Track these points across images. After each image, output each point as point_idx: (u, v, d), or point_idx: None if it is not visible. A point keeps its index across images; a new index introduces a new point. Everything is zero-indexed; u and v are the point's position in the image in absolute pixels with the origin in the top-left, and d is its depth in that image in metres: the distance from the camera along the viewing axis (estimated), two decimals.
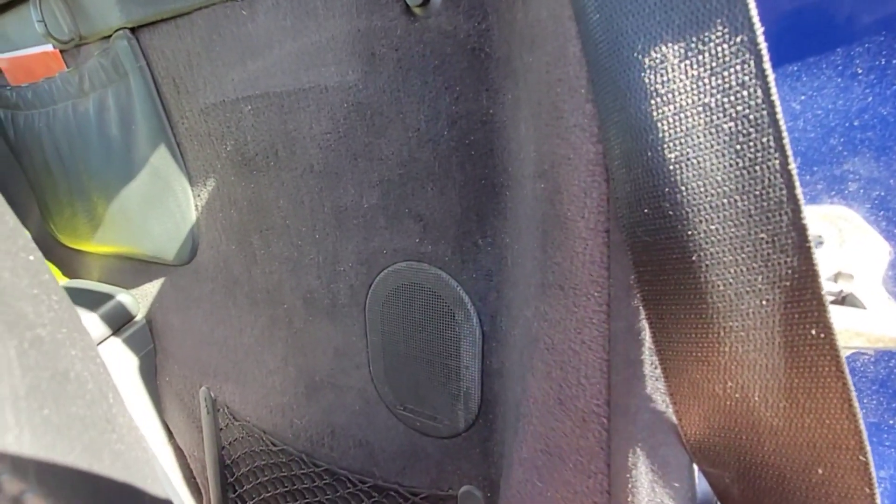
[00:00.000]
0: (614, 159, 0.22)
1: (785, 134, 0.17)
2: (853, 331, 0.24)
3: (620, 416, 0.26)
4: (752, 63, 0.17)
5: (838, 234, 0.27)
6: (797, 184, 0.17)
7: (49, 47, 0.72)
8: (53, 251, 0.99)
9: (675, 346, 0.22)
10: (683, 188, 0.19)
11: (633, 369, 0.25)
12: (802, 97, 0.25)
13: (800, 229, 0.18)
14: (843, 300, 0.27)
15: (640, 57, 0.19)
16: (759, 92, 0.17)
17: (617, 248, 0.24)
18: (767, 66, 0.17)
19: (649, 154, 0.20)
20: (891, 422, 0.29)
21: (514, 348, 0.43)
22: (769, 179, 0.18)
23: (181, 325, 0.83)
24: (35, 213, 1.01)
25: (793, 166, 0.17)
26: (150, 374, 0.90)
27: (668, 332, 0.22)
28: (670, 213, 0.20)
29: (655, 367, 0.24)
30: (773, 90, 0.17)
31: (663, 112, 0.19)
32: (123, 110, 0.68)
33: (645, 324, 0.24)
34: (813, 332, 0.18)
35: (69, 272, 0.99)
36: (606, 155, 0.23)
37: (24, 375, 0.14)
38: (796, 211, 0.18)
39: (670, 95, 0.19)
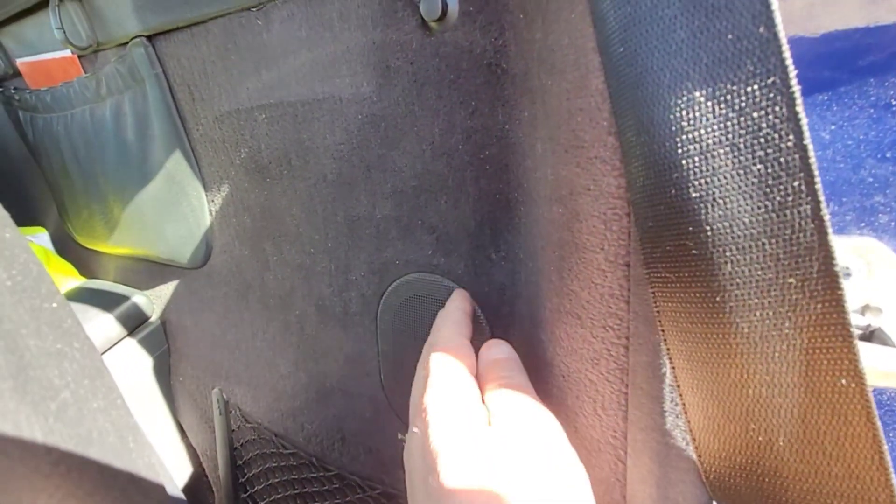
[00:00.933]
0: (636, 193, 0.21)
1: (817, 179, 0.17)
2: (881, 371, 0.23)
3: (638, 449, 0.26)
4: (783, 106, 0.16)
5: (867, 267, 0.26)
6: (829, 230, 0.17)
7: (67, 52, 0.73)
8: (71, 250, 1.01)
9: (697, 385, 0.22)
10: (708, 228, 0.19)
11: (652, 405, 0.24)
12: (833, 127, 0.24)
13: (831, 275, 0.17)
14: (870, 334, 0.26)
15: (665, 93, 0.19)
16: (791, 136, 0.17)
17: (638, 283, 0.23)
18: (800, 109, 0.16)
19: (673, 192, 0.19)
20: None
21: (526, 367, 0.42)
22: (799, 224, 0.17)
23: (195, 327, 0.85)
24: (53, 213, 1.03)
25: (825, 212, 0.17)
26: (165, 374, 0.91)
27: (690, 371, 0.22)
28: (694, 251, 0.19)
29: (675, 404, 0.24)
30: (806, 134, 0.16)
31: (688, 150, 0.19)
32: (139, 116, 0.69)
33: (666, 360, 0.23)
34: (843, 381, 0.18)
35: (86, 271, 1.01)
36: (628, 189, 0.22)
37: (48, 453, 0.14)
38: (827, 257, 0.17)
39: (696, 134, 0.18)
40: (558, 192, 0.29)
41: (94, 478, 0.16)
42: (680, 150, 0.19)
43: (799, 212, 0.17)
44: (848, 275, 0.27)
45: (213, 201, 0.70)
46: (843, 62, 0.23)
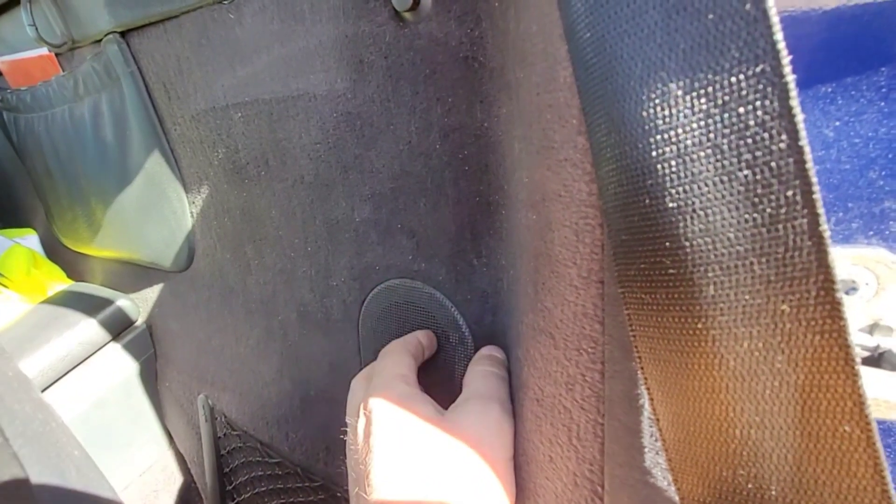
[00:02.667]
0: (609, 201, 0.19)
1: (816, 188, 0.14)
2: (891, 402, 0.20)
3: (617, 486, 0.23)
4: (774, 99, 0.14)
5: (875, 280, 0.23)
6: (829, 248, 0.14)
7: (45, 51, 0.71)
8: (59, 253, 0.99)
9: (677, 421, 0.19)
10: (687, 244, 0.16)
11: (630, 439, 0.22)
12: (837, 123, 0.21)
13: (832, 303, 0.14)
14: (879, 357, 0.23)
15: (637, 86, 0.16)
16: (784, 136, 0.14)
17: (613, 302, 0.21)
18: (795, 103, 0.13)
19: (647, 201, 0.17)
20: None
21: (511, 385, 0.40)
22: (794, 241, 0.14)
23: (180, 332, 0.83)
24: (41, 215, 1.01)
25: (824, 227, 0.14)
26: (151, 379, 0.89)
27: (669, 405, 0.19)
28: (671, 270, 0.17)
29: (655, 440, 0.21)
30: (802, 133, 0.14)
31: (664, 153, 0.16)
32: (117, 115, 0.67)
33: (643, 391, 0.20)
34: (846, 427, 0.15)
35: (74, 274, 0.99)
36: (601, 194, 0.19)
37: None
38: (828, 281, 0.14)
39: (673, 133, 0.16)
40: (532, 198, 0.26)
41: None
42: (654, 153, 0.16)
43: (793, 226, 0.14)
44: (854, 289, 0.24)
45: (193, 203, 0.68)
46: (849, 47, 0.20)
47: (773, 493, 0.17)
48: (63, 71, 0.71)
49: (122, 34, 0.59)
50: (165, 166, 0.66)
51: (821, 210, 0.14)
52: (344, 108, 0.45)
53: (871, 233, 0.23)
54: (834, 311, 0.14)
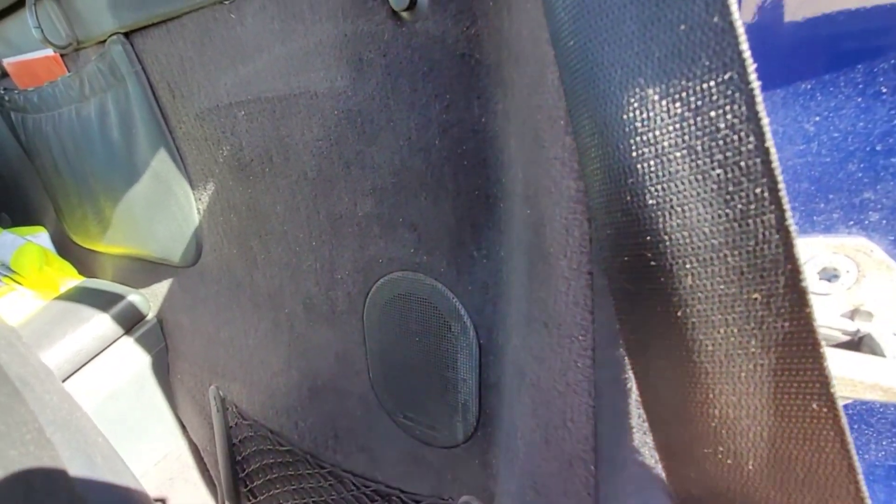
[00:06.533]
0: (595, 198, 0.20)
1: (782, 185, 0.15)
2: (867, 383, 0.22)
3: (608, 465, 0.24)
4: (741, 104, 0.15)
5: (856, 268, 0.24)
6: (795, 241, 0.15)
7: (50, 52, 0.72)
8: (70, 250, 1.02)
9: (662, 403, 0.20)
10: (666, 238, 0.17)
11: (619, 420, 0.23)
12: (817, 118, 0.22)
13: (798, 292, 0.16)
14: (858, 341, 0.24)
15: (616, 91, 0.17)
16: (752, 137, 0.15)
17: (601, 292, 0.22)
18: (760, 108, 0.14)
19: (629, 198, 0.18)
20: None
21: (509, 365, 0.41)
22: (763, 235, 0.15)
23: (190, 325, 0.85)
24: (51, 213, 1.03)
25: (790, 222, 0.15)
26: (163, 372, 0.92)
27: (654, 388, 0.20)
28: (652, 263, 0.18)
29: (643, 420, 0.22)
30: (768, 136, 0.15)
31: (643, 153, 0.17)
32: (123, 115, 0.68)
33: (631, 375, 0.22)
34: (815, 405, 0.16)
35: (85, 270, 1.01)
36: (587, 193, 0.21)
37: None
38: (794, 272, 0.15)
39: (651, 135, 0.17)
40: (526, 192, 0.27)
41: None
42: (634, 154, 0.17)
43: (762, 221, 0.15)
44: (836, 276, 0.25)
45: (200, 200, 0.69)
46: (827, 47, 0.21)
47: (751, 467, 0.19)
48: (69, 71, 0.72)
49: (126, 35, 0.60)
50: (171, 164, 0.67)
51: (787, 206, 0.15)
52: (345, 106, 0.46)
53: (852, 222, 0.24)
54: (801, 299, 0.16)
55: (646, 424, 0.23)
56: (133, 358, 0.87)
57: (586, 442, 0.25)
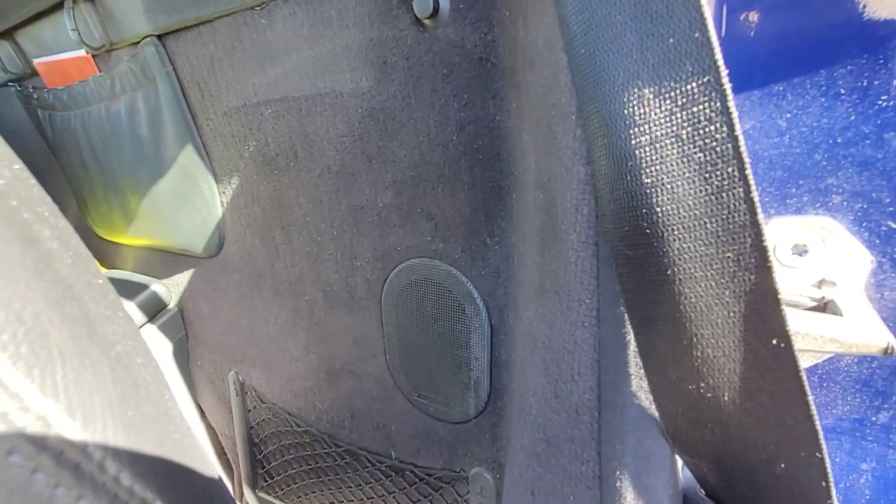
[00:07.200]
0: (600, 179, 0.24)
1: (748, 165, 0.19)
2: (828, 336, 0.26)
3: (609, 410, 0.28)
4: (717, 101, 0.19)
5: (822, 244, 0.28)
6: (759, 210, 0.19)
7: (82, 52, 0.76)
8: (91, 243, 1.06)
9: (655, 349, 0.25)
10: (658, 210, 0.21)
11: (620, 369, 0.27)
12: (788, 115, 0.26)
13: (761, 251, 0.20)
14: (824, 306, 0.29)
15: (619, 90, 0.21)
16: (724, 127, 0.19)
17: (605, 261, 0.26)
18: (731, 104, 0.19)
19: (629, 178, 0.22)
20: (872, 418, 0.31)
21: (520, 342, 0.45)
22: (734, 205, 0.20)
23: (211, 314, 0.89)
24: (73, 207, 1.07)
25: (755, 194, 0.19)
26: (183, 359, 0.96)
27: (649, 337, 0.24)
28: (647, 231, 0.22)
29: (640, 368, 0.26)
30: (737, 125, 0.19)
31: (640, 141, 0.21)
32: (152, 112, 0.72)
33: (630, 329, 0.26)
34: (774, 341, 0.20)
35: (106, 263, 1.05)
36: (595, 174, 0.25)
37: (114, 387, 0.17)
38: (758, 234, 0.20)
39: (646, 126, 0.21)
40: (540, 179, 0.32)
41: (139, 415, 0.19)
42: (633, 141, 0.21)
43: (733, 194, 0.20)
44: (805, 251, 0.29)
45: (224, 193, 0.74)
46: (795, 56, 0.25)
47: (726, 398, 0.23)
48: (100, 71, 0.76)
49: (159, 37, 0.64)
50: (198, 159, 0.71)
51: (752, 182, 0.19)
52: (368, 105, 0.50)
53: (818, 204, 0.28)
54: (763, 256, 0.20)
55: (642, 371, 0.27)
56: (155, 346, 0.91)
57: (591, 392, 0.29)
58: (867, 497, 0.33)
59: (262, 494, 0.93)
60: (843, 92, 0.25)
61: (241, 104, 0.62)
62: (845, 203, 0.27)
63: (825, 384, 0.32)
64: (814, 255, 0.29)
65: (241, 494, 0.98)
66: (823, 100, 0.26)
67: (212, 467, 0.30)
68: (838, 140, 0.26)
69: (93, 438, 0.16)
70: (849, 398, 0.32)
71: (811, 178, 0.27)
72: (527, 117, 0.35)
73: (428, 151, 0.48)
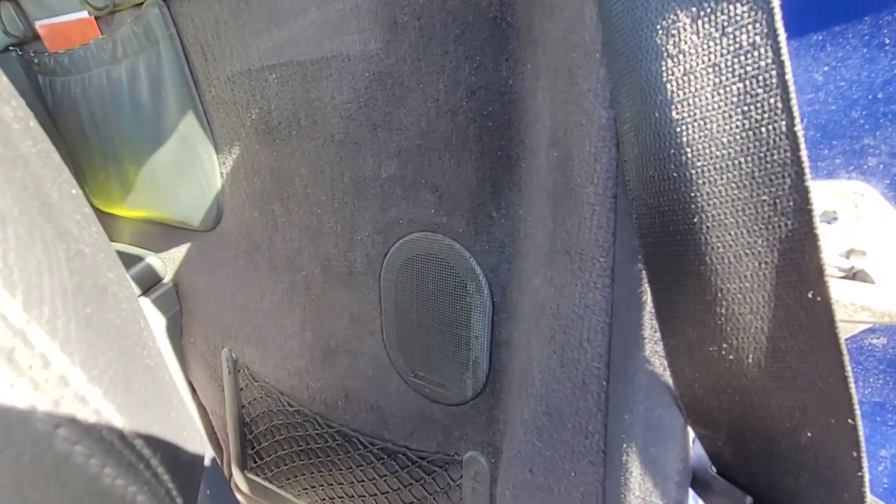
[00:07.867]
0: (624, 122, 0.22)
1: (793, 95, 0.17)
2: (859, 304, 0.24)
3: (619, 378, 0.27)
4: (763, 22, 0.17)
5: (854, 210, 0.27)
6: (802, 145, 0.18)
7: (85, 14, 0.74)
8: None
9: (674, 308, 0.23)
10: (689, 149, 0.20)
11: (633, 332, 0.25)
12: (826, 68, 0.25)
13: (802, 192, 0.18)
14: (853, 276, 0.27)
15: (652, 17, 0.19)
16: (770, 52, 0.17)
17: (623, 215, 0.24)
18: (780, 25, 0.17)
19: (657, 115, 0.20)
20: (895, 401, 0.29)
21: (523, 319, 0.44)
22: (774, 141, 0.18)
23: (206, 289, 0.87)
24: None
25: (799, 128, 0.17)
26: (176, 335, 0.94)
27: (668, 294, 0.23)
28: (674, 174, 0.20)
29: (655, 331, 0.25)
30: (784, 50, 0.17)
31: (673, 73, 0.19)
32: (154, 77, 0.70)
33: (647, 288, 0.24)
34: (809, 294, 0.19)
35: None
36: (617, 119, 0.23)
37: (71, 276, 0.15)
38: (799, 173, 0.18)
39: (681, 56, 0.19)
40: (555, 136, 0.30)
41: (108, 323, 0.18)
42: (665, 74, 0.20)
43: (774, 128, 0.18)
44: (835, 219, 0.27)
45: (224, 164, 0.72)
46: (838, 2, 0.24)
47: (750, 360, 0.21)
48: (102, 34, 0.75)
49: None
50: (198, 127, 0.70)
51: (797, 113, 0.17)
52: (376, 68, 0.48)
53: (852, 167, 0.26)
54: (803, 197, 0.18)
55: (657, 335, 0.25)
56: (148, 320, 0.90)
57: (601, 359, 0.27)
58: (885, 486, 0.31)
59: (251, 476, 0.92)
60: (887, 42, 0.23)
61: (245, 69, 0.60)
62: (882, 166, 0.26)
63: None
64: (844, 222, 0.27)
65: (231, 475, 0.96)
66: (865, 50, 0.24)
67: (187, 412, 0.28)
68: (879, 96, 0.24)
69: (35, 319, 0.14)
70: (871, 380, 0.30)
71: (846, 139, 0.26)
72: (542, 74, 0.33)
73: (436, 118, 0.47)
